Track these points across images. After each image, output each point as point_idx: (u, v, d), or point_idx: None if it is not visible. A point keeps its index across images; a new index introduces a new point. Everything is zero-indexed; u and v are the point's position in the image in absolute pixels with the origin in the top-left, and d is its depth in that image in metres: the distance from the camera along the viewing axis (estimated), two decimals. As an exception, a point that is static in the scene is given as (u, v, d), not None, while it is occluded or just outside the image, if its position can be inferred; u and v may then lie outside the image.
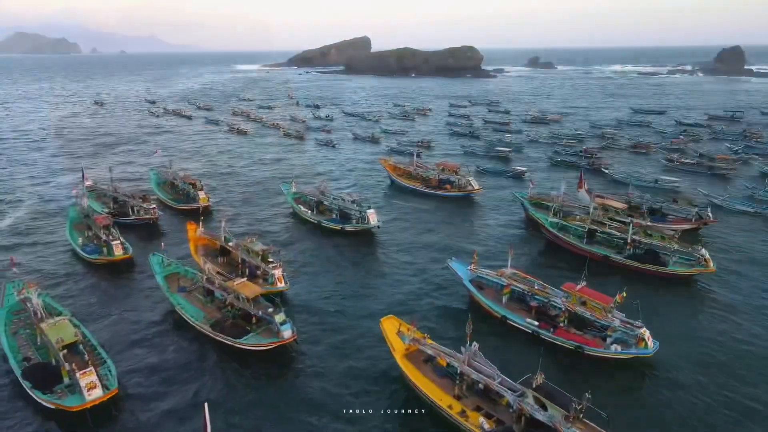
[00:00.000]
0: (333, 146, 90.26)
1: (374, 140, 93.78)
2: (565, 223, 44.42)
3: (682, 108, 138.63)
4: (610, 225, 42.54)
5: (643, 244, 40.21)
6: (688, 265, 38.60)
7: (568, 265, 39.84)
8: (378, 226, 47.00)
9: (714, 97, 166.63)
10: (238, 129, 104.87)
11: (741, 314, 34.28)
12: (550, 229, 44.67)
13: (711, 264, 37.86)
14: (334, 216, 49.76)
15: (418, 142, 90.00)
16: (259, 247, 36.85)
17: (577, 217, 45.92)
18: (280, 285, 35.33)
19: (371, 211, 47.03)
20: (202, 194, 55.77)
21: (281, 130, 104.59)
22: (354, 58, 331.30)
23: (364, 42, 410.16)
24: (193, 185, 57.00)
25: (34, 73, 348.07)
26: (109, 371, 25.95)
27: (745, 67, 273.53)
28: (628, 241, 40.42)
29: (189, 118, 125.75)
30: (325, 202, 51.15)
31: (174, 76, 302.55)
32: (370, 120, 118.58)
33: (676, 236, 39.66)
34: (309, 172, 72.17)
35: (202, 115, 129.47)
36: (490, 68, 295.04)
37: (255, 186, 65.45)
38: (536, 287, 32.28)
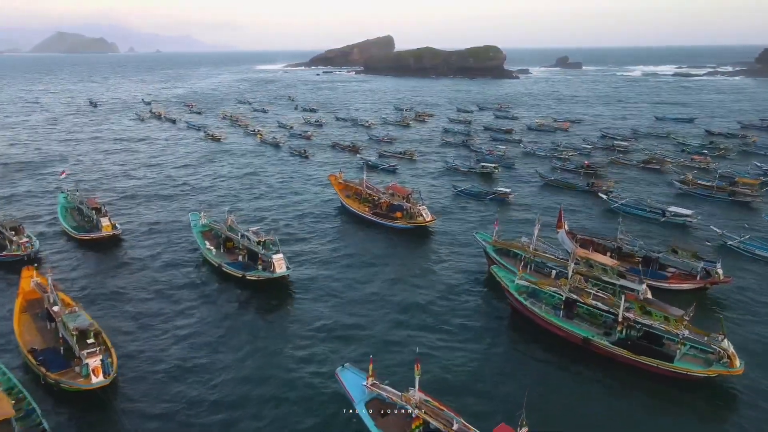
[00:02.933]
0: (306, 156, 79.56)
1: (353, 150, 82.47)
2: (536, 287, 31.85)
3: (717, 115, 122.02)
4: (595, 293, 29.93)
5: (640, 324, 27.91)
6: (703, 362, 26.24)
7: (539, 350, 27.57)
8: (287, 275, 36.04)
9: (755, 103, 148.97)
10: (212, 136, 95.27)
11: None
12: (516, 296, 32.26)
13: (737, 362, 25.49)
14: (240, 258, 38.87)
15: (401, 153, 78.68)
16: (75, 324, 25.93)
17: (553, 273, 33.73)
18: (96, 379, 24.54)
19: (278, 256, 35.85)
20: (105, 221, 46.10)
21: (258, 136, 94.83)
22: (373, 58, 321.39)
23: (387, 41, 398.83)
24: (97, 210, 47.22)
25: (48, 71, 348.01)
26: None
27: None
28: (619, 319, 28.19)
29: (173, 122, 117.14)
30: (232, 239, 40.39)
31: (189, 76, 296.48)
32: (362, 125, 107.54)
33: (687, 318, 27.01)
34: (260, 197, 61.11)
35: (189, 119, 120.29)
36: (514, 69, 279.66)
37: (183, 211, 54.29)
38: (455, 427, 20.39)
